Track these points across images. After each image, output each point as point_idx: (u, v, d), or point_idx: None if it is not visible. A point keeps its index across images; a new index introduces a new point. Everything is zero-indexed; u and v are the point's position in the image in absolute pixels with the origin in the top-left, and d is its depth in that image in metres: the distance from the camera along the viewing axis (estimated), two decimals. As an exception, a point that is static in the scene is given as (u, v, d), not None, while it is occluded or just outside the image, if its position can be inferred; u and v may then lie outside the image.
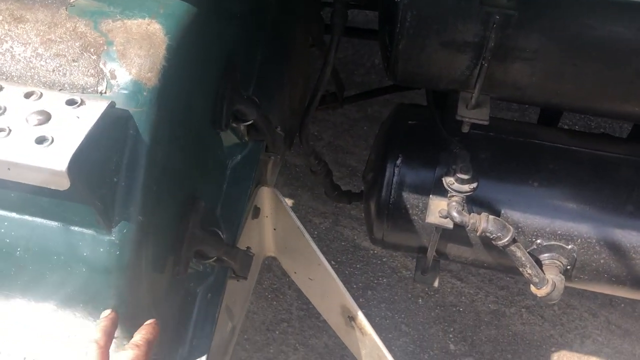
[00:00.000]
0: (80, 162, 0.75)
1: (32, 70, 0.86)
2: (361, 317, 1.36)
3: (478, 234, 1.34)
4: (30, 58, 0.87)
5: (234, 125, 1.13)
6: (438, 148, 1.51)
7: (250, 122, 1.14)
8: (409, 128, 1.57)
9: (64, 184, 0.76)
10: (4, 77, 0.86)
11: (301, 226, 1.37)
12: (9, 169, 0.76)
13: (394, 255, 2.97)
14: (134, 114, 0.85)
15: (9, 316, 0.96)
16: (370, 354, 1.37)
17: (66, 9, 0.91)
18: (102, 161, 0.82)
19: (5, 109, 0.80)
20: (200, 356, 1.09)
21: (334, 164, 3.35)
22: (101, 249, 0.86)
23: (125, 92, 0.85)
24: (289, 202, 3.02)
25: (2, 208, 0.87)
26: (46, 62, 0.86)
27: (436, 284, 1.65)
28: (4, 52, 0.87)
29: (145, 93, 0.85)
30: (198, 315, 1.12)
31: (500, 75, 1.20)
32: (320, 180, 1.76)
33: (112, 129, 0.83)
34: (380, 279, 2.91)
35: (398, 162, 1.53)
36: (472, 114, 1.23)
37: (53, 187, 0.77)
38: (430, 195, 1.49)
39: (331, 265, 2.95)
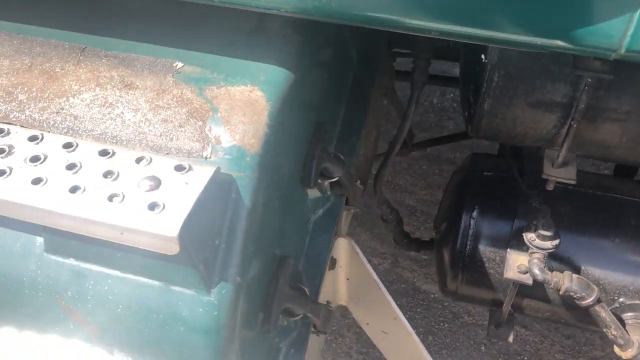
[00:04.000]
0: (189, 228, 0.78)
1: (141, 135, 0.90)
2: (439, 375, 1.34)
3: (561, 292, 1.31)
4: (139, 123, 0.91)
5: (319, 181, 1.15)
6: (516, 201, 1.49)
7: (334, 179, 1.15)
8: (485, 179, 1.56)
9: (174, 249, 0.78)
10: (115, 141, 0.90)
11: (377, 279, 1.37)
12: (122, 233, 0.80)
13: (455, 299, 2.91)
14: (237, 178, 0.88)
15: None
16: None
17: (172, 75, 0.95)
18: (207, 225, 0.85)
19: (118, 174, 0.84)
20: (284, 412, 1.09)
21: (393, 203, 3.34)
22: (200, 310, 0.88)
23: (229, 157, 0.88)
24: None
25: (107, 266, 0.90)
26: (154, 128, 0.90)
27: (511, 339, 1.61)
28: (115, 118, 0.92)
29: (248, 158, 0.88)
30: (283, 367, 1.13)
31: (588, 135, 1.18)
32: (391, 229, 1.76)
33: (217, 194, 0.85)
34: (441, 324, 2.85)
35: (474, 213, 1.51)
36: (559, 172, 1.22)
37: (162, 252, 0.79)
38: (508, 250, 1.46)
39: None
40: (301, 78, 1.00)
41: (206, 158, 0.88)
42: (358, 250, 1.38)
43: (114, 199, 0.81)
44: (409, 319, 2.83)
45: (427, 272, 2.99)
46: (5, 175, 0.84)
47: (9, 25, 1.06)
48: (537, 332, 2.75)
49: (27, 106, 0.94)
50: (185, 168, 0.84)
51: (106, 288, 0.91)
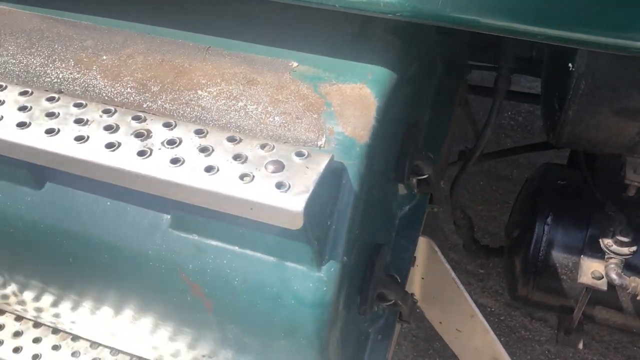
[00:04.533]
0: (311, 206, 0.87)
1: (262, 125, 1.00)
2: (515, 371, 1.38)
3: (639, 297, 1.34)
4: (261, 115, 1.01)
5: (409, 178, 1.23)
6: (590, 208, 1.53)
7: (424, 177, 1.23)
8: (559, 187, 1.60)
9: (298, 223, 0.87)
10: (239, 130, 1.01)
11: (456, 278, 1.43)
12: (251, 208, 0.89)
13: (512, 314, 2.91)
14: (347, 166, 0.96)
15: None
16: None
17: (289, 73, 1.05)
18: (323, 206, 0.94)
19: (246, 158, 0.94)
20: (373, 391, 1.17)
21: (449, 216, 3.38)
22: (310, 285, 0.97)
23: (340, 147, 0.97)
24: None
25: (227, 242, 1.00)
26: (274, 119, 1.00)
27: (581, 345, 1.63)
28: (239, 109, 1.02)
29: (357, 148, 0.97)
30: (370, 354, 1.20)
31: (671, 142, 1.22)
32: (462, 234, 1.81)
33: (331, 179, 0.94)
34: (497, 337, 2.85)
35: (548, 220, 1.56)
36: (640, 178, 1.26)
37: (286, 227, 0.88)
38: (582, 256, 1.50)
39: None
40: (401, 79, 1.09)
41: (320, 147, 0.97)
42: (437, 248, 1.45)
43: (245, 179, 0.90)
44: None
45: (483, 285, 3.00)
46: (146, 156, 0.95)
47: (140, 26, 1.18)
48: (597, 351, 2.73)
49: (159, 97, 1.06)
50: (304, 154, 0.94)
51: (225, 262, 1.01)
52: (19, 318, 1.50)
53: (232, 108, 1.03)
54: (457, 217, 1.72)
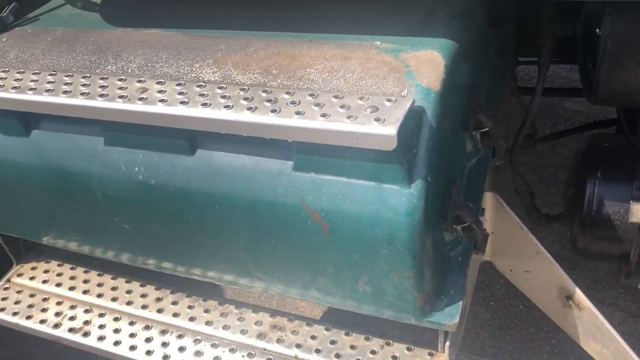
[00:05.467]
0: (402, 131, 1.19)
1: (358, 86, 1.35)
2: (579, 292, 1.61)
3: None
4: (356, 79, 1.36)
5: (473, 132, 1.53)
6: (634, 161, 1.77)
7: (485, 130, 1.53)
8: (605, 148, 1.86)
9: (393, 144, 1.19)
10: (339, 92, 1.35)
11: (520, 222, 1.69)
12: (357, 138, 1.23)
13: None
14: (426, 108, 1.29)
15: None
16: (589, 328, 1.59)
17: (375, 49, 1.40)
18: (409, 137, 1.26)
19: (349, 107, 1.28)
20: (457, 302, 1.44)
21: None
22: (404, 199, 1.28)
23: (420, 95, 1.29)
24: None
25: (336, 175, 1.33)
26: (367, 81, 1.35)
27: (640, 286, 1.83)
28: (339, 78, 1.37)
29: (433, 95, 1.29)
30: (451, 271, 1.48)
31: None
32: (523, 200, 2.07)
33: (414, 117, 1.27)
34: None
35: (598, 174, 1.81)
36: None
37: (384, 148, 1.21)
38: (631, 201, 1.73)
39: (519, 309, 3.13)
40: (461, 49, 1.41)
41: (403, 96, 1.30)
42: (502, 201, 1.72)
43: (350, 118, 1.24)
44: (537, 318, 3.02)
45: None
46: (277, 112, 1.31)
47: (257, 32, 1.57)
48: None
49: (278, 77, 1.43)
50: (393, 100, 1.27)
51: (336, 190, 1.33)
52: (147, 327, 1.83)
53: (334, 77, 1.38)
54: (518, 184, 1.98)
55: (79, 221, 1.73)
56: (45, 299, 2.00)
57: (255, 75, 1.45)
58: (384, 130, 1.19)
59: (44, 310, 1.96)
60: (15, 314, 1.97)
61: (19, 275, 2.12)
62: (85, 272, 2.08)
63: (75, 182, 1.63)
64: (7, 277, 2.12)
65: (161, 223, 1.58)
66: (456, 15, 1.48)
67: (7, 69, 1.71)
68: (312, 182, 1.36)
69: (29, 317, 1.95)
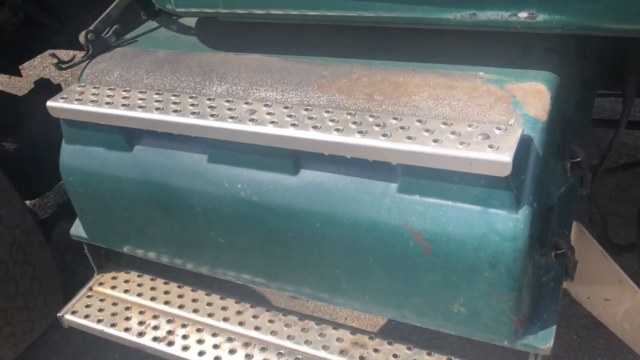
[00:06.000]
0: (514, 160, 1.25)
1: (464, 114, 1.41)
2: (667, 322, 1.63)
3: None
4: (462, 107, 1.42)
5: (565, 162, 1.58)
6: None
7: (577, 160, 1.57)
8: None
9: (507, 170, 1.25)
10: (446, 119, 1.41)
11: (603, 250, 1.72)
12: (470, 164, 1.28)
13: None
14: (533, 137, 1.34)
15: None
16: (675, 358, 1.61)
17: (479, 80, 1.47)
18: (518, 164, 1.31)
19: (460, 133, 1.34)
20: (551, 326, 1.47)
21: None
22: (511, 224, 1.33)
23: (528, 125, 1.35)
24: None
25: (442, 198, 1.38)
26: (473, 109, 1.41)
27: None
28: (445, 105, 1.44)
29: (540, 124, 1.35)
30: (544, 296, 1.52)
31: None
32: (596, 230, 2.10)
33: (523, 145, 1.32)
34: (625, 354, 2.98)
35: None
36: None
37: (498, 174, 1.26)
38: None
39: (572, 338, 3.12)
40: (563, 82, 1.47)
41: (511, 125, 1.36)
42: (584, 229, 1.76)
43: (463, 144, 1.30)
44: (591, 349, 3.02)
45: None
46: (387, 137, 1.37)
47: (357, 60, 1.65)
48: None
49: (383, 103, 1.50)
50: (503, 128, 1.33)
51: (440, 213, 1.39)
52: (230, 340, 1.90)
53: (440, 104, 1.44)
54: (593, 213, 2.01)
55: (174, 233, 1.80)
56: (127, 308, 2.08)
57: (360, 100, 1.52)
58: (499, 157, 1.25)
59: (127, 318, 2.04)
60: (99, 321, 2.05)
61: (100, 284, 2.20)
62: (165, 283, 2.15)
63: (176, 195, 1.71)
64: (89, 285, 2.20)
65: (260, 238, 1.65)
66: (553, 49, 1.54)
67: (112, 87, 1.81)
68: (416, 204, 1.41)
69: (113, 325, 2.02)
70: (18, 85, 5.84)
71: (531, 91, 1.40)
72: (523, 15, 1.34)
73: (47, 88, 3.46)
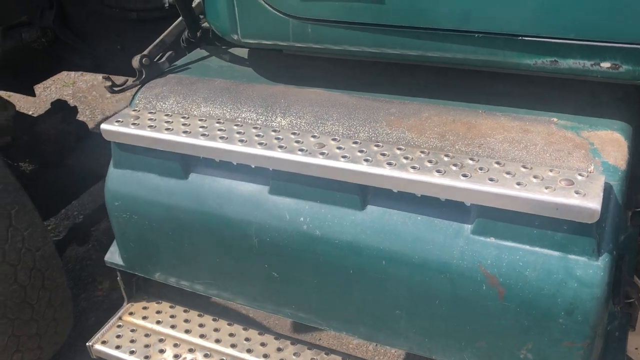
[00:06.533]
0: (602, 206, 1.25)
1: (542, 158, 1.42)
2: None
3: None
4: (539, 152, 1.43)
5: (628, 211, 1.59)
6: None
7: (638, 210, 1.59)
8: None
9: (595, 217, 1.25)
10: (524, 163, 1.41)
11: (657, 300, 1.72)
12: (557, 209, 1.28)
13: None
14: (613, 185, 1.35)
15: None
16: None
17: (554, 125, 1.48)
18: (601, 211, 1.32)
19: (543, 178, 1.34)
20: (618, 378, 1.46)
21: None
22: (591, 271, 1.32)
23: (608, 172, 1.36)
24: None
25: (519, 242, 1.38)
26: (550, 154, 1.42)
27: None
28: (521, 149, 1.44)
29: (619, 173, 1.36)
30: (611, 346, 1.50)
31: None
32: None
33: (605, 193, 1.33)
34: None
35: None
36: None
37: (585, 221, 1.26)
38: None
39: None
40: (633, 131, 1.50)
41: (590, 172, 1.37)
42: (636, 277, 1.76)
43: (548, 189, 1.30)
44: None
45: None
46: (468, 177, 1.37)
47: (423, 99, 1.66)
48: None
49: (456, 143, 1.50)
50: (585, 175, 1.34)
51: (518, 257, 1.38)
52: None
53: (516, 148, 1.45)
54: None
55: (224, 265, 1.76)
56: (161, 340, 2.01)
57: (432, 139, 1.52)
58: (587, 203, 1.25)
59: (161, 351, 1.97)
60: (132, 352, 1.97)
61: (131, 314, 2.13)
62: (200, 315, 2.09)
63: (232, 225, 1.68)
64: (118, 314, 2.13)
65: (319, 273, 1.61)
66: (620, 99, 1.57)
67: (169, 113, 1.79)
68: (492, 247, 1.40)
69: (147, 358, 1.95)
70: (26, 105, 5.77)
71: (609, 140, 1.42)
72: (606, 65, 1.36)
73: (63, 109, 3.43)
